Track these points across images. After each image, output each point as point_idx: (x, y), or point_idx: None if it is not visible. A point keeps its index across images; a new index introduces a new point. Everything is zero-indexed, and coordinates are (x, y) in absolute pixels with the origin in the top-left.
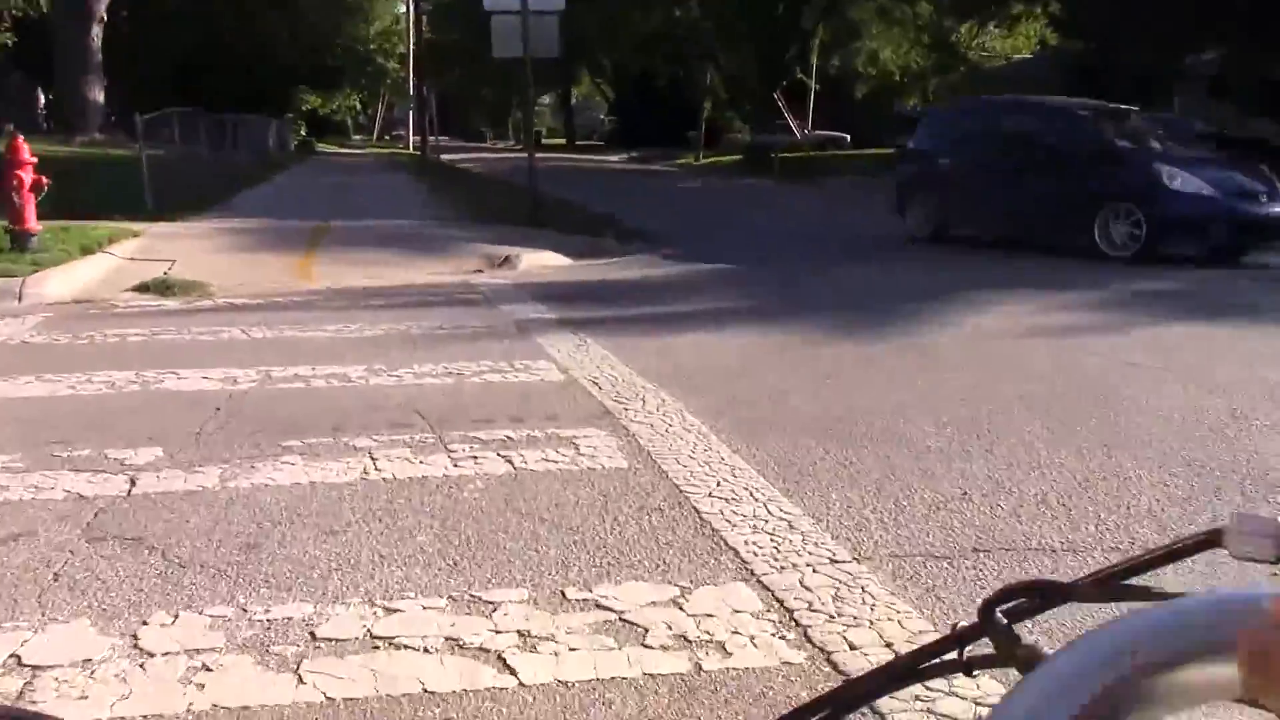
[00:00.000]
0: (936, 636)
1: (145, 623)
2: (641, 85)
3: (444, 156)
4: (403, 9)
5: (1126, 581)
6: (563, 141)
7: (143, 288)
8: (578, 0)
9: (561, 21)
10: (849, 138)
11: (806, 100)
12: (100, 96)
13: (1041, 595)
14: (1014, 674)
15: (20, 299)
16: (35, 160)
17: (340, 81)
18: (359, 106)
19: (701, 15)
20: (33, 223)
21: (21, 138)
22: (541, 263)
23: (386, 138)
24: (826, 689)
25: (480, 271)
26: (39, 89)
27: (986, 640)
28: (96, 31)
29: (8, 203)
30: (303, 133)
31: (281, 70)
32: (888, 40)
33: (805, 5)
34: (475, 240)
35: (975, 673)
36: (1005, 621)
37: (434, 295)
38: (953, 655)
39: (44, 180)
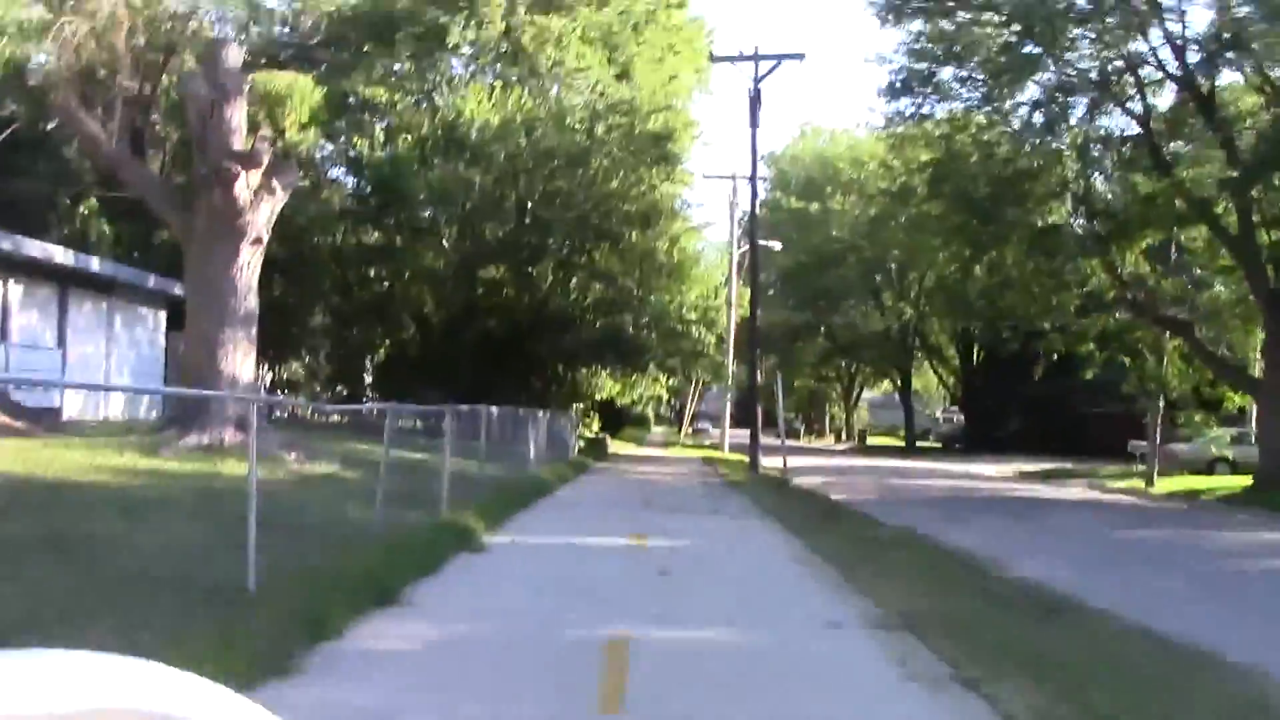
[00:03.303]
0: None
1: None
2: (1005, 370)
3: (789, 462)
4: (721, 277)
5: None
6: (899, 444)
7: None
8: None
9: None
10: None
11: None
12: (249, 364)
13: None
14: None
15: None
16: None
17: (644, 363)
18: (664, 396)
19: (1155, 265)
20: None
21: None
22: None
23: (690, 430)
24: None
25: None
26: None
27: None
28: (249, 258)
29: None
30: (594, 428)
31: (569, 346)
32: None
33: None
34: None
35: None
36: None
37: None
38: None
39: None
